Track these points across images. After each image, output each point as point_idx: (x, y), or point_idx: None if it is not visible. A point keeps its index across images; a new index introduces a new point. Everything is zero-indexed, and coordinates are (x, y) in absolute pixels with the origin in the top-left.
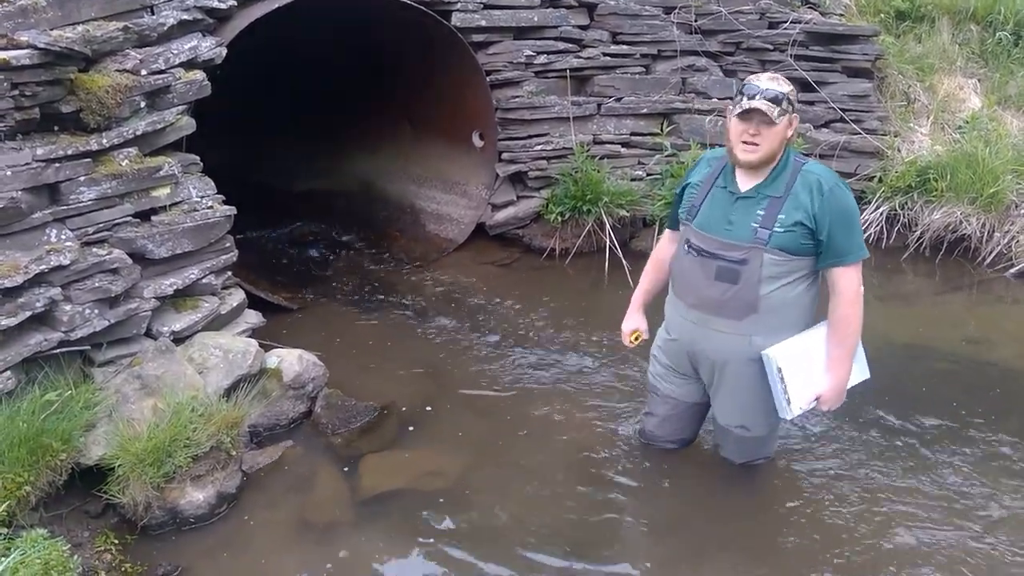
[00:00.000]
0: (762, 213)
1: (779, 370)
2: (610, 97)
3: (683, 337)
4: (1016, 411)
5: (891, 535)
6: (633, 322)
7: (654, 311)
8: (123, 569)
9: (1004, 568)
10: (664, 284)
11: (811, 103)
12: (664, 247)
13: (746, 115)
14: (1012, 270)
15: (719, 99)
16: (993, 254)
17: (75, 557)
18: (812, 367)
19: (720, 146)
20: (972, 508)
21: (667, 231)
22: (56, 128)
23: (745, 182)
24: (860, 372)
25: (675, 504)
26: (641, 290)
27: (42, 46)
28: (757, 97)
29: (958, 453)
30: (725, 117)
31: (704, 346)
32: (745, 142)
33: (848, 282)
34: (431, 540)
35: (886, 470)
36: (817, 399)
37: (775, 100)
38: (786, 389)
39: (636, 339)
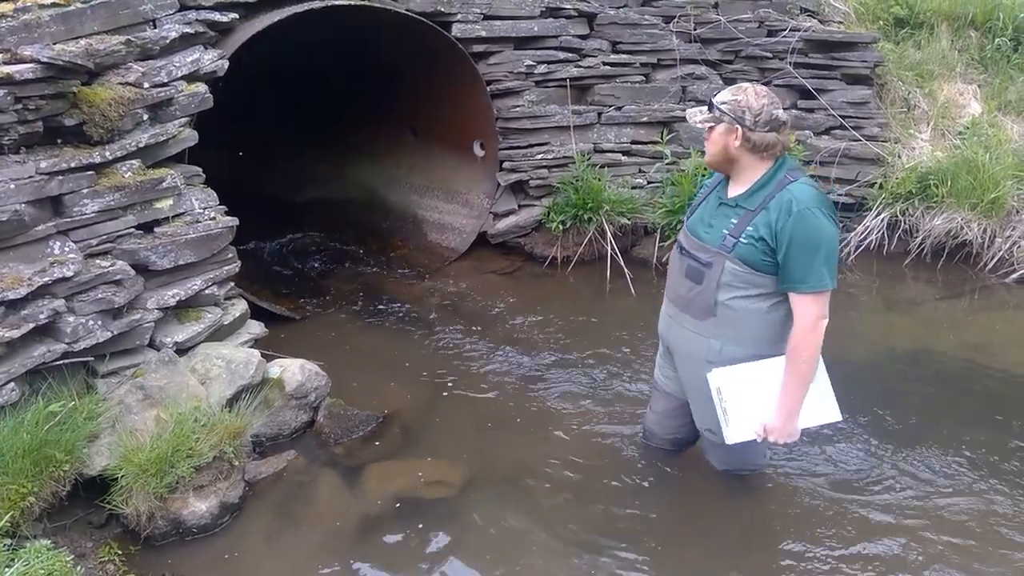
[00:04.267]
0: (735, 222)
1: (718, 391)
2: (610, 106)
3: (662, 329)
4: (1018, 417)
5: (888, 546)
6: None
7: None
8: None
9: None
10: None
11: (811, 110)
12: None
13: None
14: (1013, 275)
15: None
16: (995, 259)
17: (78, 568)
18: (765, 397)
19: None
20: (972, 516)
21: None
22: (59, 141)
23: (732, 191)
24: (827, 412)
25: (680, 515)
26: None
27: (45, 60)
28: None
29: (958, 459)
30: None
31: (674, 339)
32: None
33: (804, 311)
34: (434, 549)
35: (885, 478)
36: (765, 429)
37: (709, 106)
38: (726, 412)
39: None
